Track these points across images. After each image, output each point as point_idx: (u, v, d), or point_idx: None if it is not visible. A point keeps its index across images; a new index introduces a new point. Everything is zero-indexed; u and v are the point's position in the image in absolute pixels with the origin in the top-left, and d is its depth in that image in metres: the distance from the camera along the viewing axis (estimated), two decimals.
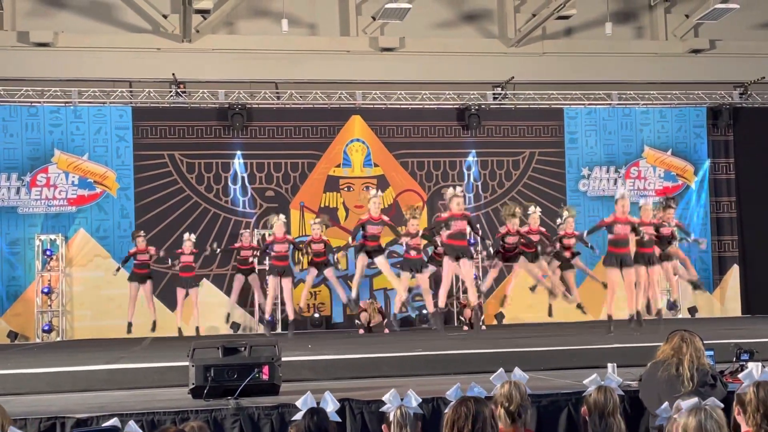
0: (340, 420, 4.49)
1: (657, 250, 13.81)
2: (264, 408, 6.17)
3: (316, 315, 17.96)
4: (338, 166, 18.56)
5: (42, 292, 17.14)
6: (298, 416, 4.35)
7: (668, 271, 15.21)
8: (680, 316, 18.67)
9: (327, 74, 18.56)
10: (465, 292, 17.19)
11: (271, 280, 15.61)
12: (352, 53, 18.87)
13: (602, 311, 18.59)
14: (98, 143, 17.77)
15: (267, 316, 16.21)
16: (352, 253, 15.81)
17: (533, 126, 19.21)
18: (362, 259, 14.67)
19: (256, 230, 17.74)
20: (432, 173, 18.82)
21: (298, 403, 4.42)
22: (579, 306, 16.03)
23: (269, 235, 15.83)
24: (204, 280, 17.48)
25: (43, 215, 17.47)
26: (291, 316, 15.38)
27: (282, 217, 15.44)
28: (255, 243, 16.93)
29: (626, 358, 7.87)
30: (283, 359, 7.08)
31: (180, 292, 16.61)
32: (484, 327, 16.10)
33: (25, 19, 17.94)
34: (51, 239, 17.28)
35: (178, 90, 17.92)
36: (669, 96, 19.50)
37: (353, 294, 15.50)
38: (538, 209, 15.20)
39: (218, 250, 16.86)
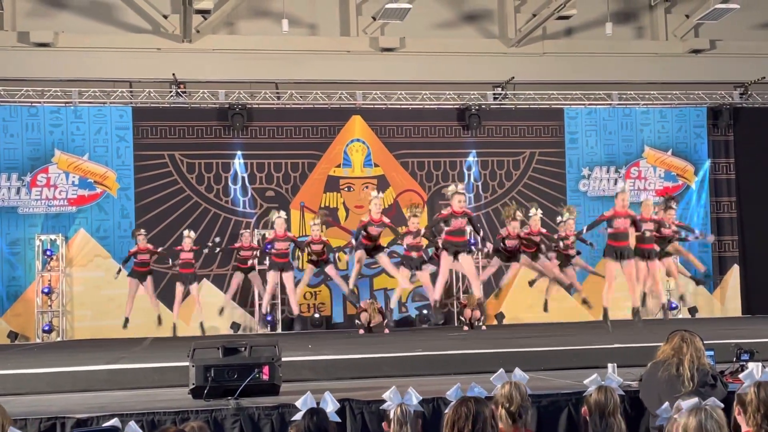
0: (339, 420, 4.49)
1: (656, 248, 13.80)
2: (264, 408, 6.17)
3: (317, 315, 17.96)
4: (338, 166, 18.57)
5: (42, 292, 17.14)
6: (298, 416, 4.35)
7: (669, 267, 15.22)
8: (680, 316, 18.68)
9: (327, 74, 18.57)
10: (465, 292, 17.21)
11: (271, 275, 15.60)
12: (353, 53, 18.88)
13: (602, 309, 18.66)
14: (98, 143, 17.77)
15: (263, 310, 16.20)
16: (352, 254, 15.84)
17: (533, 126, 19.21)
18: (360, 253, 14.75)
19: (256, 230, 17.75)
20: (432, 173, 18.83)
21: (298, 404, 4.42)
22: (585, 301, 15.99)
23: (270, 233, 15.85)
24: (204, 280, 17.48)
25: (43, 215, 17.48)
26: (296, 311, 15.47)
27: (282, 213, 15.45)
28: (255, 243, 16.95)
29: (626, 358, 7.86)
30: (284, 359, 7.07)
31: (179, 288, 16.56)
32: (484, 327, 16.11)
33: (25, 20, 17.94)
34: (51, 239, 17.28)
35: (179, 90, 17.93)
36: (669, 96, 19.50)
37: (350, 284, 15.56)
38: (539, 211, 15.19)
39: (219, 247, 16.83)
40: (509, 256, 15.16)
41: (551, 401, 6.34)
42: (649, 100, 19.51)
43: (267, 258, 16.24)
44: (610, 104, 19.43)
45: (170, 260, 16.62)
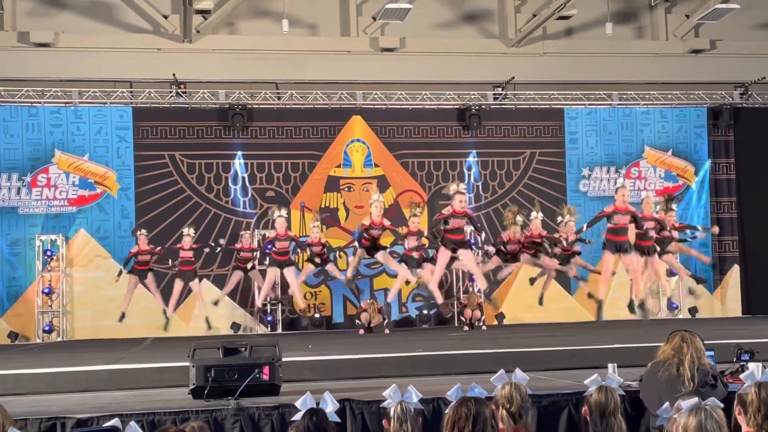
0: (339, 420, 4.49)
1: (656, 246, 13.81)
2: (264, 408, 6.17)
3: (317, 315, 17.96)
4: (339, 166, 18.56)
5: (42, 292, 17.14)
6: (298, 416, 4.35)
7: (671, 262, 15.22)
8: (681, 316, 18.69)
9: (327, 74, 18.57)
10: (465, 292, 17.21)
11: (270, 270, 15.58)
12: (353, 53, 18.88)
13: (602, 312, 18.66)
14: (99, 143, 17.78)
15: (259, 304, 16.19)
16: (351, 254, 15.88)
17: (534, 126, 19.21)
18: (360, 251, 14.83)
19: (256, 230, 17.76)
20: (432, 173, 18.82)
21: (298, 404, 4.42)
22: (590, 295, 15.97)
23: (270, 232, 15.85)
24: (204, 280, 17.47)
25: (43, 215, 17.48)
26: (302, 305, 15.56)
27: (284, 212, 15.42)
28: (255, 245, 16.92)
29: (626, 358, 7.86)
30: (284, 359, 7.07)
31: (178, 285, 16.48)
32: (484, 327, 16.13)
33: (25, 20, 17.95)
34: (51, 239, 17.28)
35: (179, 90, 17.93)
36: (669, 96, 19.50)
37: (349, 274, 15.59)
38: (540, 214, 15.16)
39: (221, 247, 16.81)
40: (510, 257, 15.17)
41: (551, 401, 6.34)
42: (649, 100, 19.51)
43: (267, 258, 16.24)
44: (611, 104, 19.43)
45: (170, 260, 16.60)
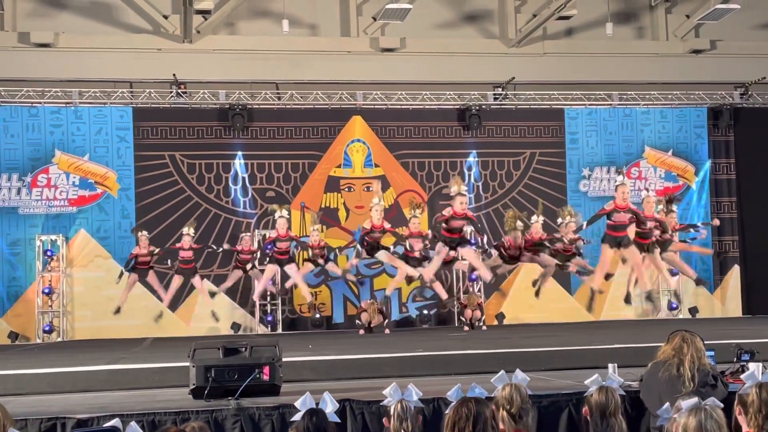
0: (339, 421, 4.49)
1: (657, 246, 13.79)
2: (265, 408, 6.17)
3: (317, 315, 17.96)
4: (339, 166, 18.56)
5: (43, 292, 17.14)
6: (297, 417, 4.35)
7: (672, 261, 15.20)
8: (681, 316, 18.69)
9: (328, 75, 18.58)
10: (466, 292, 17.22)
11: (270, 266, 15.54)
12: (353, 54, 18.88)
13: (603, 311, 18.71)
14: (99, 144, 17.78)
15: (255, 297, 16.15)
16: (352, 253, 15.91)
17: (534, 126, 19.21)
18: (361, 250, 14.86)
19: (257, 231, 17.75)
20: (433, 174, 18.82)
21: (297, 404, 4.42)
22: (593, 290, 15.89)
23: (271, 233, 15.84)
24: (204, 280, 17.45)
25: (43, 216, 17.48)
26: (308, 298, 15.65)
27: (285, 212, 15.38)
28: (255, 246, 16.84)
29: (627, 358, 7.86)
30: (284, 360, 7.07)
31: (177, 279, 16.32)
32: (484, 327, 16.14)
33: (25, 20, 17.95)
34: (52, 240, 17.28)
35: (179, 90, 17.93)
36: (670, 96, 19.50)
37: (348, 266, 15.63)
38: (541, 218, 15.13)
39: (222, 249, 16.79)
40: (510, 259, 15.19)
41: (552, 401, 6.33)
42: (649, 101, 19.51)
43: (267, 258, 16.20)
44: (611, 104, 19.44)
45: (169, 261, 16.56)
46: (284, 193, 18.23)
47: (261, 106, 18.33)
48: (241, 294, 17.55)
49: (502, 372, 5.08)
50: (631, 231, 13.06)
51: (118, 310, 16.50)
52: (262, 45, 18.38)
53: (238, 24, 18.78)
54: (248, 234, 16.99)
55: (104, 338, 16.31)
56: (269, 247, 15.77)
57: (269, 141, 18.38)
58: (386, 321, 16.22)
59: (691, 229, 15.66)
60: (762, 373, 4.31)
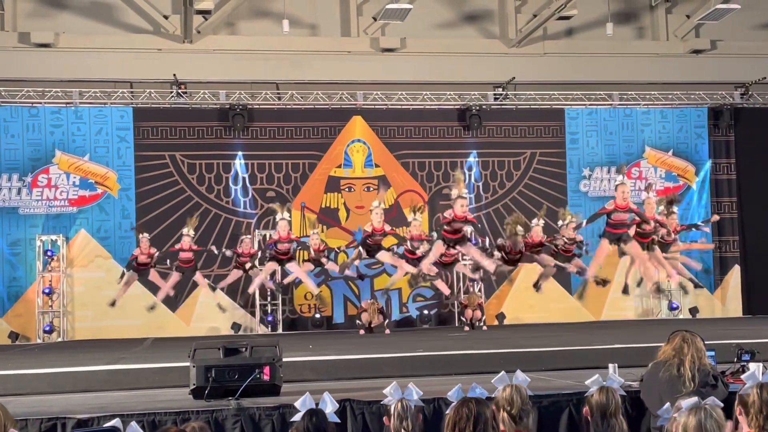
0: (339, 421, 4.49)
1: (657, 246, 13.78)
2: (265, 408, 6.17)
3: (317, 315, 17.96)
4: (339, 166, 18.57)
5: (43, 292, 17.14)
6: (297, 417, 4.35)
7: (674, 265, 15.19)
8: (681, 316, 18.69)
9: (328, 75, 18.58)
10: (466, 292, 17.21)
11: (270, 263, 15.48)
12: (353, 54, 18.88)
13: (603, 312, 18.71)
14: (99, 144, 17.78)
15: (250, 289, 16.09)
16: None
17: (534, 126, 19.21)
18: (362, 251, 14.86)
19: (257, 231, 17.75)
20: (433, 174, 18.82)
21: (297, 404, 4.42)
22: (596, 281, 15.85)
23: (272, 233, 15.81)
24: (204, 279, 17.42)
25: (44, 216, 17.48)
26: (315, 291, 15.80)
27: (287, 215, 15.34)
28: (255, 248, 16.71)
29: (627, 358, 7.86)
30: (284, 360, 7.07)
31: (175, 275, 16.07)
32: (485, 327, 16.15)
33: (26, 20, 17.95)
34: (52, 240, 17.28)
35: (179, 91, 17.93)
36: (670, 96, 19.50)
37: (348, 265, 15.63)
38: (541, 222, 15.12)
39: (222, 252, 16.75)
40: (511, 262, 15.20)
41: (552, 402, 6.33)
42: (649, 101, 19.51)
43: (267, 257, 16.15)
44: (611, 104, 19.43)
45: (168, 261, 16.53)
46: (284, 194, 18.22)
47: (261, 106, 18.33)
48: (241, 294, 17.53)
49: (502, 373, 5.08)
50: (631, 229, 13.06)
51: (113, 303, 16.28)
52: (263, 45, 18.38)
53: (238, 24, 18.78)
54: (248, 236, 16.90)
55: (104, 338, 16.31)
56: (270, 247, 15.74)
57: (269, 141, 18.38)
58: (386, 321, 16.23)
59: (694, 229, 15.64)
60: (762, 374, 4.31)
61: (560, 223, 15.48)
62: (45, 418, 5.91)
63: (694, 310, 18.71)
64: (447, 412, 4.28)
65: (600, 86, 19.41)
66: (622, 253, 14.18)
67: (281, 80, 18.60)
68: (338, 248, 16.34)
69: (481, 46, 19.27)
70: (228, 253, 16.27)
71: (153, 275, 16.41)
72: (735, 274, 19.52)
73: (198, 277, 16.32)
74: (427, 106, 18.75)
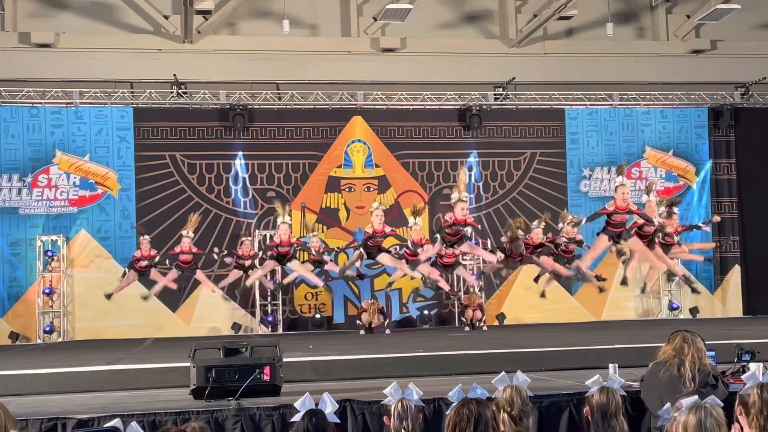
0: (339, 421, 4.49)
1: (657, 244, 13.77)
2: (265, 409, 6.17)
3: (317, 316, 17.95)
4: (339, 166, 18.57)
5: (43, 292, 17.14)
6: (297, 417, 4.35)
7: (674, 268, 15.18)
8: (681, 316, 18.68)
9: (328, 75, 18.58)
10: (467, 292, 17.21)
11: (270, 261, 15.45)
12: (354, 54, 18.88)
13: (603, 312, 18.71)
14: (99, 144, 17.78)
15: (248, 283, 16.04)
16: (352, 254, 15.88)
17: (534, 126, 19.21)
18: (363, 252, 14.84)
19: (257, 231, 17.74)
20: (433, 174, 18.83)
21: (297, 405, 4.42)
22: (598, 278, 15.85)
23: (273, 235, 15.79)
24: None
25: (44, 216, 17.48)
26: (320, 284, 15.71)
27: (287, 218, 15.31)
28: (255, 250, 16.67)
29: (627, 358, 7.86)
30: (285, 360, 7.07)
31: (173, 272, 15.93)
32: (485, 327, 16.14)
33: (26, 21, 17.95)
34: (52, 240, 17.28)
35: (180, 91, 17.94)
36: (670, 96, 19.50)
37: (347, 267, 15.63)
38: (542, 224, 15.12)
39: (223, 254, 16.72)
40: (512, 263, 15.21)
41: (552, 402, 6.33)
42: (650, 101, 19.51)
43: (267, 257, 16.12)
44: (611, 105, 19.43)
45: (168, 261, 16.50)
46: (285, 194, 18.22)
47: (261, 107, 18.33)
48: (241, 294, 17.53)
49: (503, 373, 5.08)
50: (632, 229, 13.07)
51: (109, 296, 16.18)
52: (263, 45, 18.38)
53: (238, 24, 18.78)
54: (248, 238, 16.88)
55: (105, 338, 16.32)
56: (270, 249, 15.68)
57: (270, 141, 18.38)
58: (387, 321, 16.22)
59: (695, 230, 15.63)
60: (763, 374, 4.30)
61: (561, 225, 15.48)
62: (45, 418, 5.91)
63: (694, 311, 18.71)
64: (447, 412, 4.28)
65: (600, 86, 19.41)
66: (620, 254, 14.19)
67: (281, 80, 18.61)
68: (338, 248, 16.35)
69: (481, 46, 19.27)
70: (228, 260, 16.21)
71: (153, 273, 16.39)
72: (735, 275, 19.51)
73: (200, 275, 16.29)
74: (427, 106, 18.75)
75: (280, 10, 17.82)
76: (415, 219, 14.68)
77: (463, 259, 15.45)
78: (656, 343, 6.20)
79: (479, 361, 8.72)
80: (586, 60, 19.38)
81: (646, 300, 18.98)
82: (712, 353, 5.94)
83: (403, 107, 18.69)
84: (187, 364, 6.82)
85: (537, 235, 14.83)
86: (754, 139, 19.61)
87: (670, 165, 19.68)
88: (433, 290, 17.19)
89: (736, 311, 19.30)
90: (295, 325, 17.94)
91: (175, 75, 17.83)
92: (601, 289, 15.51)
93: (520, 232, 14.64)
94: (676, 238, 14.15)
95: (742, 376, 4.47)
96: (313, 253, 15.60)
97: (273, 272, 16.33)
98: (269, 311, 17.75)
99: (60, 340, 17.10)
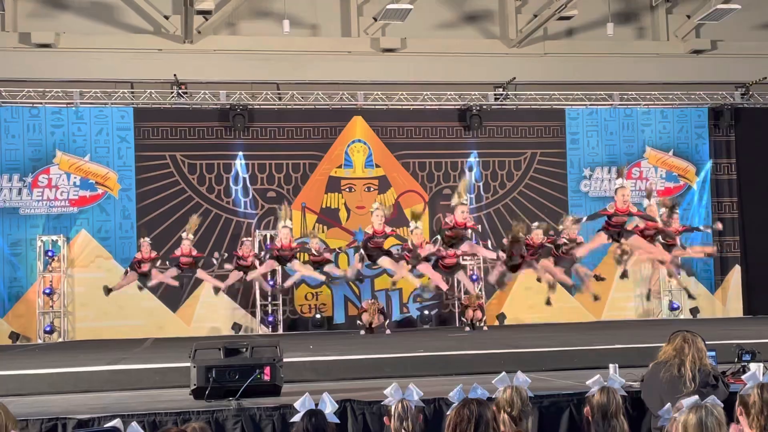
0: (338, 421, 4.49)
1: (657, 242, 13.77)
2: (266, 409, 6.17)
3: (318, 316, 17.95)
4: (340, 166, 18.57)
5: (44, 293, 17.14)
6: (297, 418, 4.35)
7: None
8: (682, 316, 18.68)
9: (328, 75, 18.57)
10: (467, 292, 17.21)
11: (271, 260, 15.40)
12: (354, 54, 18.88)
13: (603, 312, 18.71)
14: (100, 144, 17.78)
15: (248, 277, 16.00)
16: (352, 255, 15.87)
17: (535, 126, 19.21)
18: (361, 255, 14.82)
19: (257, 231, 17.73)
20: (433, 174, 18.82)
21: (297, 405, 4.42)
22: (597, 277, 15.85)
23: (272, 238, 15.77)
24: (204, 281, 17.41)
25: (44, 216, 17.48)
26: (322, 277, 15.56)
27: (289, 222, 15.27)
28: (255, 251, 16.62)
29: (628, 358, 7.86)
30: (285, 360, 7.08)
31: (173, 270, 15.76)
32: (485, 327, 16.14)
33: (26, 21, 17.95)
34: (52, 240, 17.28)
35: (180, 91, 17.94)
36: (670, 96, 19.50)
37: (348, 274, 15.60)
38: (543, 225, 15.11)
39: (223, 258, 16.68)
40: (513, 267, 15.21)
41: (553, 402, 6.34)
42: (650, 101, 19.51)
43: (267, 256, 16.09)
44: (612, 105, 19.43)
45: (168, 263, 16.48)
46: (285, 194, 18.22)
47: (262, 107, 18.33)
48: (241, 294, 17.53)
49: (503, 373, 5.08)
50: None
51: (108, 292, 16.10)
52: (263, 45, 18.38)
53: (238, 24, 18.78)
54: (248, 239, 16.85)
55: (105, 339, 16.31)
56: (272, 251, 15.64)
57: (270, 141, 18.38)
58: (387, 321, 16.23)
59: (694, 231, 15.64)
60: (763, 374, 4.30)
61: (561, 227, 15.47)
62: (46, 418, 5.92)
63: (694, 311, 18.70)
64: (448, 413, 4.28)
65: (600, 86, 19.41)
66: (618, 261, 14.17)
67: (282, 80, 18.61)
68: (339, 248, 16.34)
69: (481, 47, 19.27)
70: (228, 266, 16.13)
71: (155, 274, 16.37)
72: (735, 275, 19.51)
73: (200, 273, 16.26)
74: (427, 107, 18.75)
75: (281, 10, 17.82)
76: (415, 223, 14.68)
77: (463, 259, 15.43)
78: (656, 343, 6.20)
79: (479, 362, 8.73)
80: (587, 60, 19.38)
81: (646, 300, 18.96)
82: (713, 353, 5.94)
83: (404, 107, 18.69)
84: (188, 364, 6.82)
85: (537, 235, 14.82)
86: (754, 139, 19.61)
87: (671, 165, 19.68)
88: (432, 292, 17.19)
89: (736, 311, 19.30)
90: (295, 325, 17.94)
91: (175, 75, 17.83)
92: (596, 297, 15.55)
93: (521, 235, 14.65)
94: (677, 240, 14.15)
95: (743, 377, 4.48)
96: (314, 253, 15.58)
97: (273, 272, 16.30)
98: (269, 311, 17.75)
99: (60, 340, 17.10)
